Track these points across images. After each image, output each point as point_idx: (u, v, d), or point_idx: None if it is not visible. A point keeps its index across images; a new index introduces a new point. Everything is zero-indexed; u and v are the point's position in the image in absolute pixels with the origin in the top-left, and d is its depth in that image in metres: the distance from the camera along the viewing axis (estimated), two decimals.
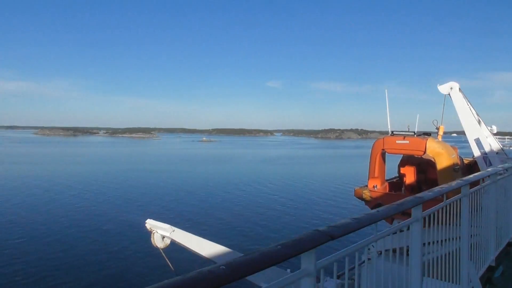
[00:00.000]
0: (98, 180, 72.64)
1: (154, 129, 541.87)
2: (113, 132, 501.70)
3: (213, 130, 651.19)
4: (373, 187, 15.77)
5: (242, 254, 8.45)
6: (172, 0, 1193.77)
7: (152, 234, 10.51)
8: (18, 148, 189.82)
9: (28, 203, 50.94)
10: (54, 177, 76.54)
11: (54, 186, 65.66)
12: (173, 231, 9.78)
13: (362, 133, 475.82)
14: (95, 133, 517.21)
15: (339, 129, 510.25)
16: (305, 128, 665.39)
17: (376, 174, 15.98)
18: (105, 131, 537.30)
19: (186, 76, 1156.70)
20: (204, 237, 9.16)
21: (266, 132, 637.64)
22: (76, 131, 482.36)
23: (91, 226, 39.92)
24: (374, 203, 14.82)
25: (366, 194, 15.78)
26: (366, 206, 16.04)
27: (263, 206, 51.32)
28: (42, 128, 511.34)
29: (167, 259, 10.68)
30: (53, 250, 32.12)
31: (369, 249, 4.29)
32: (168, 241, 10.40)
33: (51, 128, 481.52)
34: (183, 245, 9.49)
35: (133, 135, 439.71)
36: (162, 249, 10.63)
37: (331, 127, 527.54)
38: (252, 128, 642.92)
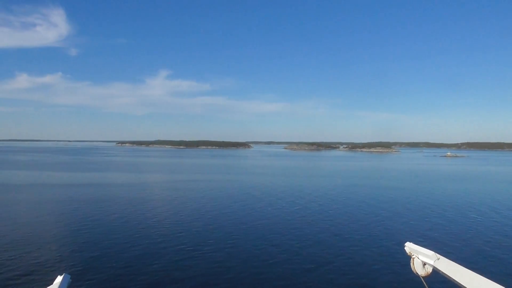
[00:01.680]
0: (338, 193, 74.17)
1: (395, 144, 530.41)
2: (352, 146, 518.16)
3: (463, 144, 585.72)
4: None
5: None
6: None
7: (412, 259, 9.25)
8: (266, 161, 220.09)
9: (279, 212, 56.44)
10: (297, 189, 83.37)
11: (297, 198, 70.09)
12: (438, 259, 8.28)
13: None
14: (335, 147, 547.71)
15: None
16: None
17: None
18: (345, 146, 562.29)
19: (431, 88, 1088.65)
20: (474, 270, 7.35)
21: None
22: (319, 145, 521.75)
23: (343, 238, 39.85)
24: None
25: None
26: None
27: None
28: (291, 143, 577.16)
29: None
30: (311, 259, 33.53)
31: None
32: (429, 269, 8.91)
33: (298, 143, 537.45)
34: (449, 276, 7.90)
35: (372, 149, 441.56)
36: (423, 277, 9.24)
37: None
38: None
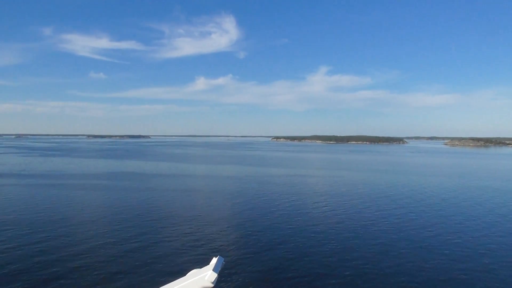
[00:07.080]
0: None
1: None
2: None
3: None
4: None
5: None
6: None
7: None
8: (416, 158, 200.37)
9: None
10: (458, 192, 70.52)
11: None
12: None
13: None
14: (508, 144, 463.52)
15: None
16: None
17: None
18: None
19: None
20: None
21: None
22: (487, 141, 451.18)
23: None
24: None
25: None
26: None
27: None
28: (454, 138, 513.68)
29: None
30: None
31: None
32: None
33: (461, 139, 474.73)
34: None
35: None
36: None
37: None
38: None
